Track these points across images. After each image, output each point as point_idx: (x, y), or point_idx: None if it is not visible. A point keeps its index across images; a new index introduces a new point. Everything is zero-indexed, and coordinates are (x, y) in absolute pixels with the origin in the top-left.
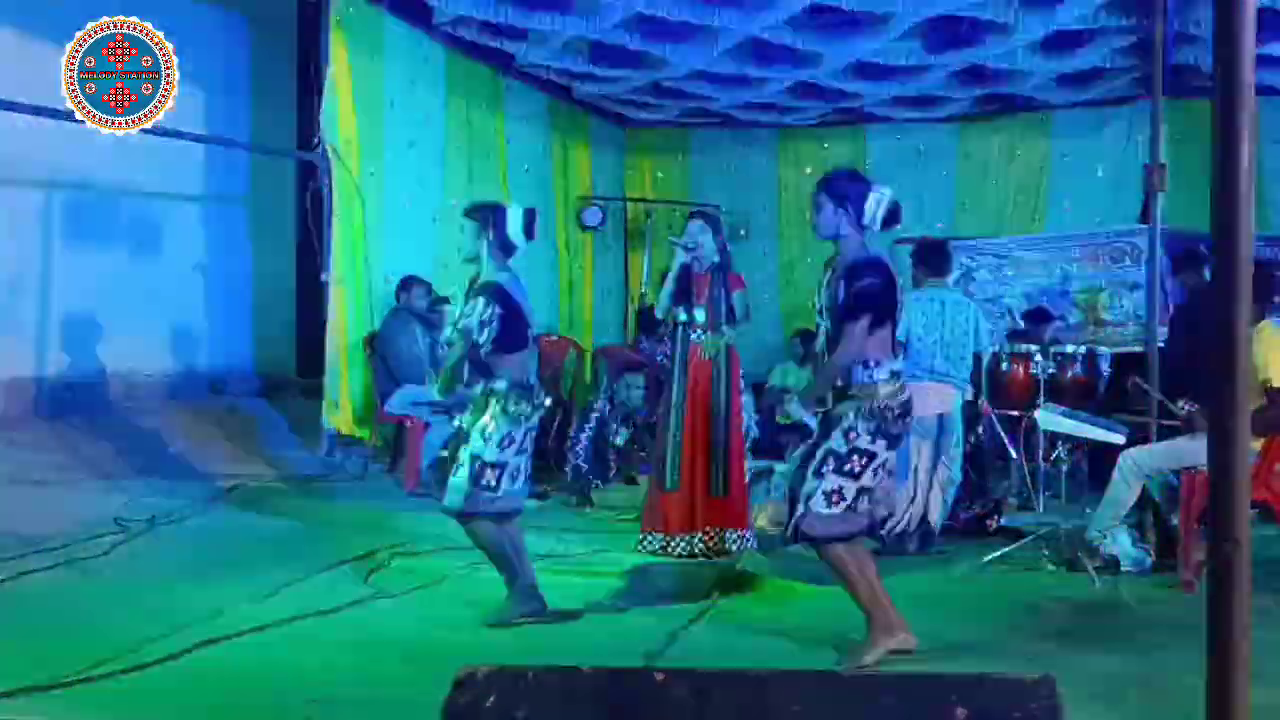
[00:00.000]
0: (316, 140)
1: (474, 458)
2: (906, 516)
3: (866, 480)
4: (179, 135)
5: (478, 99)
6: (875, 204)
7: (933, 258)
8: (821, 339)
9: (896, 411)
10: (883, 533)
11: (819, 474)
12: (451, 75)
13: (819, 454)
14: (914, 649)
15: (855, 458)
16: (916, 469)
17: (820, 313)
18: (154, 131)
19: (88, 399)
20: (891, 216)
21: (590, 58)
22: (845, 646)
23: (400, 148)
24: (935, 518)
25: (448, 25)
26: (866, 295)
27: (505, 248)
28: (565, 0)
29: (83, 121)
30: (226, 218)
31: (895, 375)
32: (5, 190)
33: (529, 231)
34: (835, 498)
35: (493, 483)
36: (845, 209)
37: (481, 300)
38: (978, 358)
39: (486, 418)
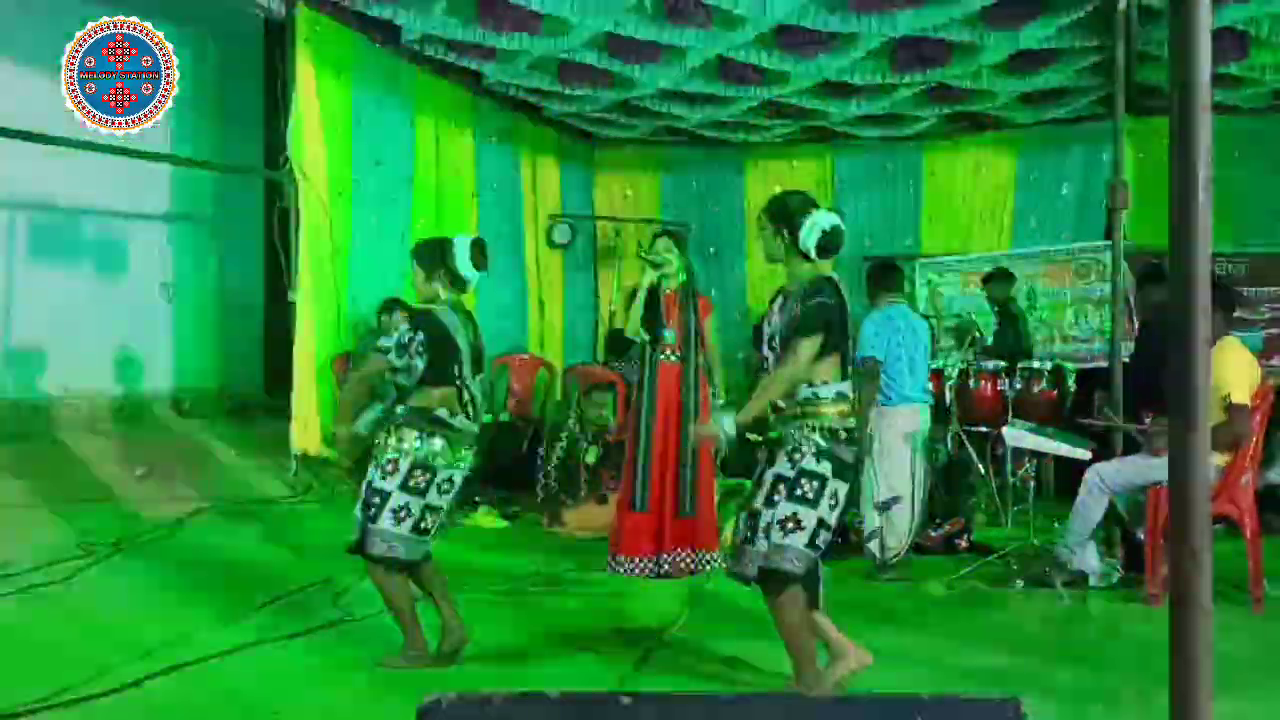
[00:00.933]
0: (283, 159)
1: (365, 484)
2: (910, 542)
3: (823, 510)
4: (144, 155)
5: (446, 117)
6: (809, 229)
7: (885, 274)
8: (769, 361)
9: (843, 435)
10: (890, 559)
11: (770, 502)
12: (420, 94)
13: (767, 482)
14: (868, 664)
15: (805, 481)
16: (913, 490)
17: (769, 341)
18: (119, 150)
19: (50, 421)
20: (827, 244)
21: (559, 76)
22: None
23: (368, 166)
24: (904, 540)
25: (415, 43)
26: (818, 312)
27: (456, 281)
28: (533, 19)
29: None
30: (192, 237)
31: (842, 397)
32: None
33: (478, 262)
34: (790, 524)
35: (373, 512)
36: (782, 234)
37: (406, 325)
38: (938, 374)
39: (381, 443)
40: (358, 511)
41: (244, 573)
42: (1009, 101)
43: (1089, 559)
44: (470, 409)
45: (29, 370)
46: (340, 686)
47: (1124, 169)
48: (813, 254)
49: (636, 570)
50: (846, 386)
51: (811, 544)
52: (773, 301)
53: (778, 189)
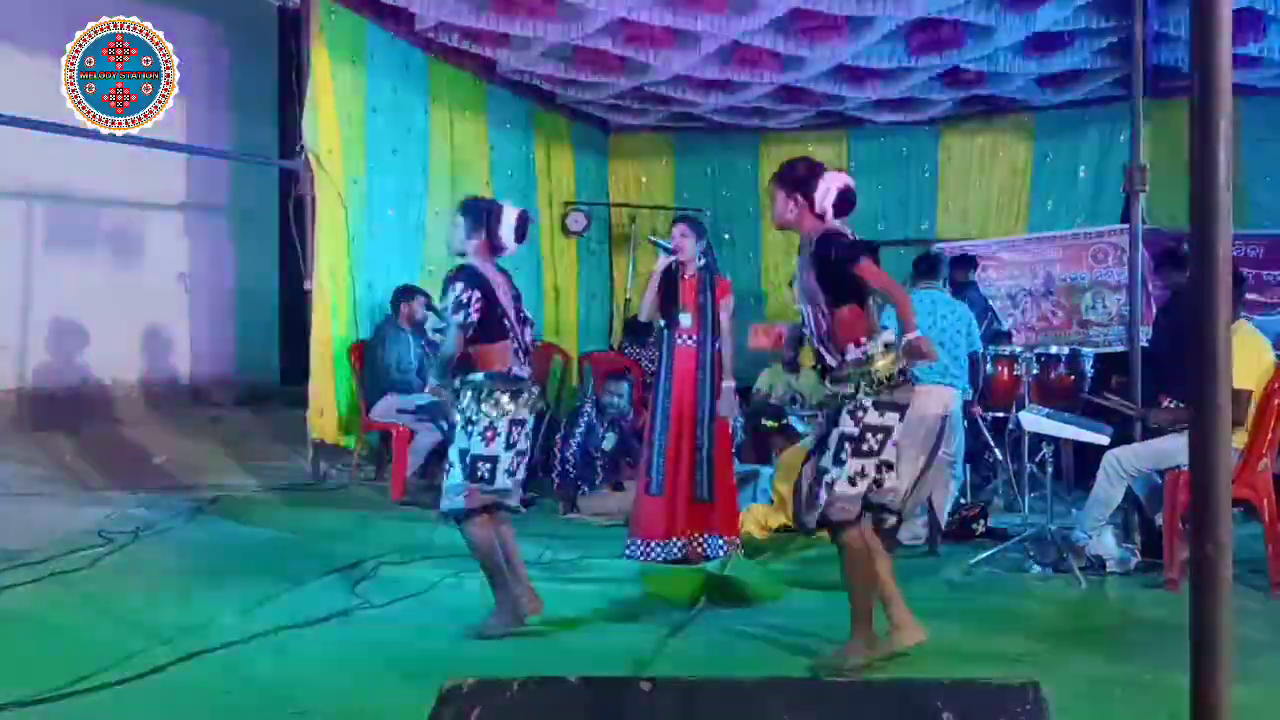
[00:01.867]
0: (299, 148)
1: (462, 453)
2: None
3: (887, 454)
4: (161, 145)
5: (461, 105)
6: (824, 189)
7: (923, 263)
8: (808, 325)
9: (898, 380)
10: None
11: (838, 460)
12: (434, 82)
13: (832, 441)
14: (922, 642)
15: (870, 435)
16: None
17: (799, 298)
18: (136, 141)
19: (70, 410)
20: (842, 200)
21: (573, 63)
22: (829, 651)
23: (383, 155)
24: (942, 517)
25: (430, 32)
26: (850, 245)
27: (495, 248)
28: (547, 6)
29: (63, 130)
30: (209, 226)
31: (888, 347)
32: None
33: (520, 234)
34: (858, 479)
35: (486, 475)
36: (795, 197)
37: (459, 283)
38: (974, 358)
39: (470, 412)
40: (458, 480)
41: (262, 560)
42: (1025, 84)
43: (1107, 544)
44: (526, 356)
45: (47, 359)
46: (359, 673)
47: (1142, 151)
48: (830, 214)
49: (653, 554)
50: (889, 334)
51: (880, 486)
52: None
53: None
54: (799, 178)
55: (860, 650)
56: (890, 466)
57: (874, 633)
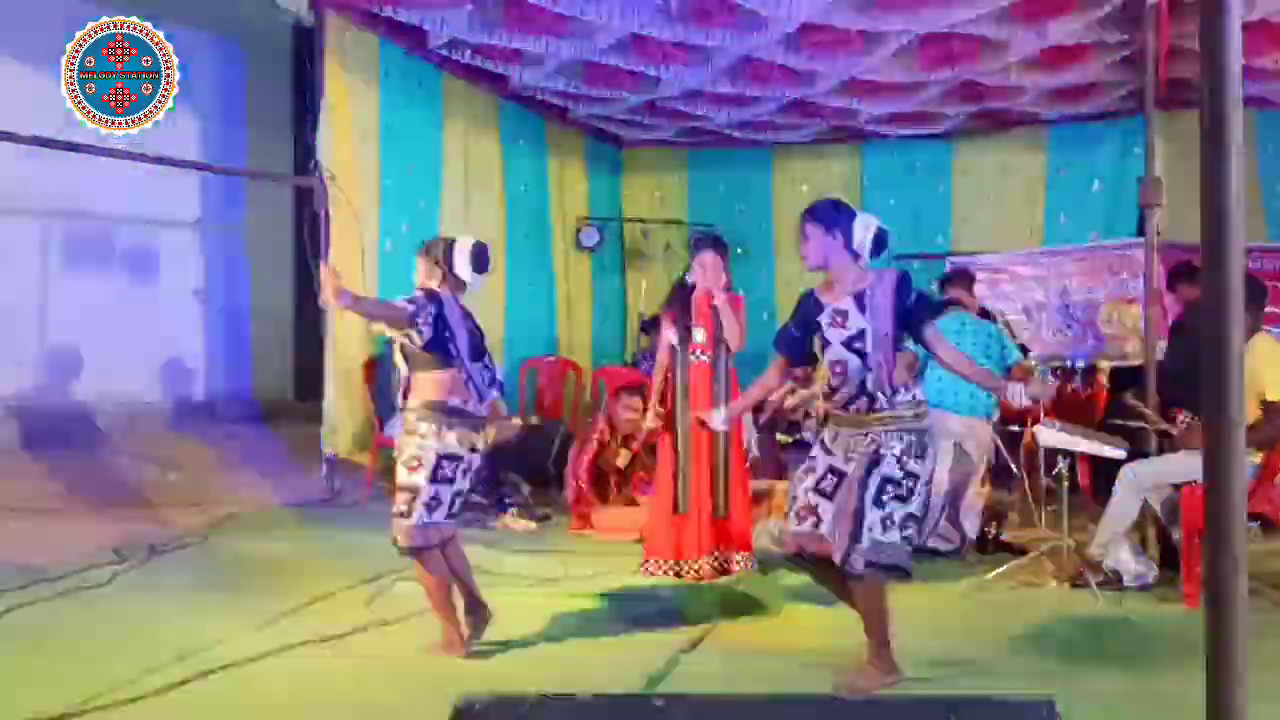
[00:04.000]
0: (313, 165)
1: (397, 486)
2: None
3: (914, 505)
4: (176, 163)
5: (474, 122)
6: (863, 230)
7: (958, 281)
8: (863, 367)
9: (926, 429)
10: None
11: (879, 503)
12: (447, 99)
13: (873, 482)
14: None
15: (907, 481)
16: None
17: (849, 343)
18: (151, 159)
19: (85, 427)
20: (879, 242)
21: (585, 79)
22: (843, 667)
23: (397, 172)
24: (973, 527)
25: (443, 49)
26: (934, 305)
27: (455, 283)
28: (559, 22)
29: (80, 149)
30: (224, 244)
31: (923, 399)
32: (1, 219)
33: (478, 265)
34: (893, 521)
35: (404, 508)
36: (834, 236)
37: (419, 294)
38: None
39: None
40: (397, 509)
41: (277, 576)
42: (1038, 97)
43: (1124, 559)
44: (473, 390)
45: (63, 376)
46: (374, 689)
47: (1156, 165)
48: (866, 255)
49: (669, 572)
50: (919, 387)
51: (905, 534)
52: (805, 304)
53: (805, 189)
54: (837, 218)
55: (877, 677)
56: (915, 519)
57: (892, 658)
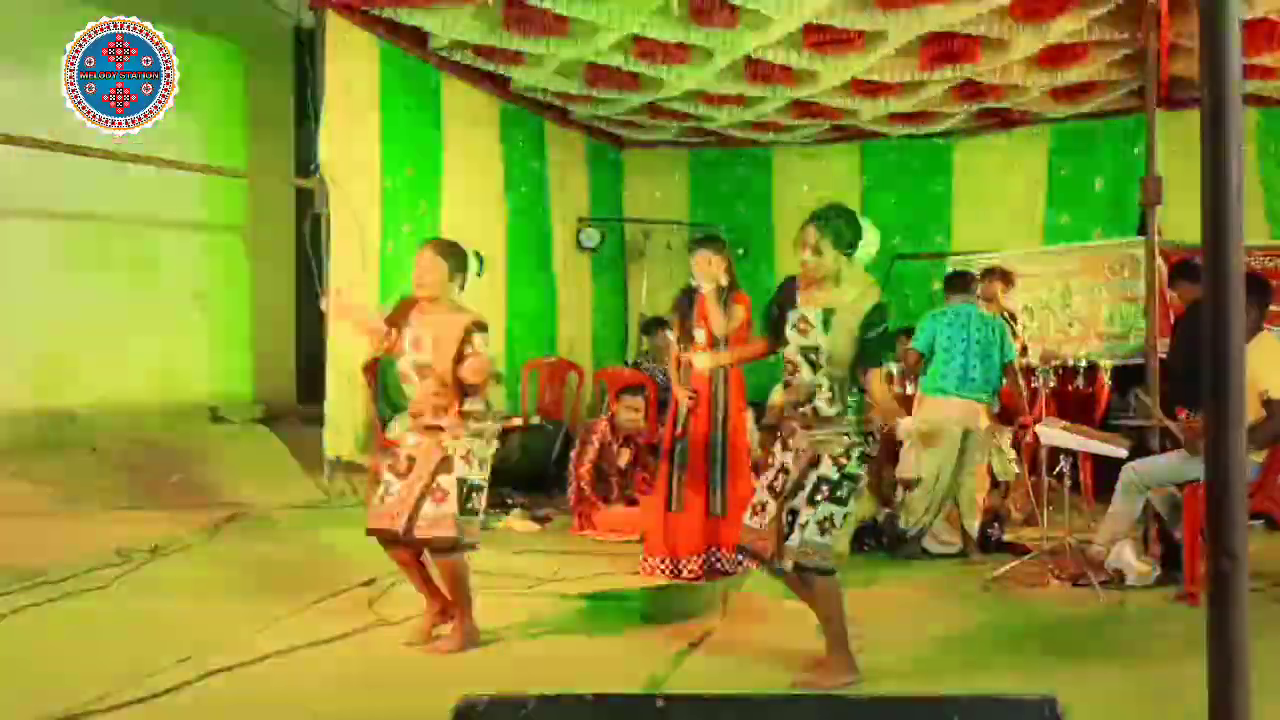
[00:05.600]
0: (314, 167)
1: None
2: (924, 521)
3: (851, 506)
4: (177, 165)
5: (474, 123)
6: (865, 247)
7: (956, 280)
8: (808, 372)
9: (875, 436)
10: (907, 534)
11: (813, 502)
12: (448, 100)
13: (809, 483)
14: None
15: (846, 483)
16: (937, 478)
17: (807, 351)
18: (152, 160)
19: (87, 428)
20: (869, 258)
21: (586, 79)
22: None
23: (398, 173)
24: (972, 526)
25: (443, 50)
26: (881, 343)
27: (463, 286)
28: (560, 23)
29: (81, 151)
30: (225, 245)
31: (869, 404)
32: (2, 220)
33: (479, 270)
34: (828, 524)
35: (475, 506)
36: (844, 251)
37: None
38: (1009, 369)
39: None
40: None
41: (279, 578)
42: (1039, 96)
43: (1126, 557)
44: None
45: (64, 379)
46: (376, 690)
47: (1157, 163)
48: (861, 266)
49: (670, 571)
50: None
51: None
52: (784, 291)
53: (806, 188)
54: (850, 235)
55: (831, 675)
56: (849, 519)
57: (850, 658)
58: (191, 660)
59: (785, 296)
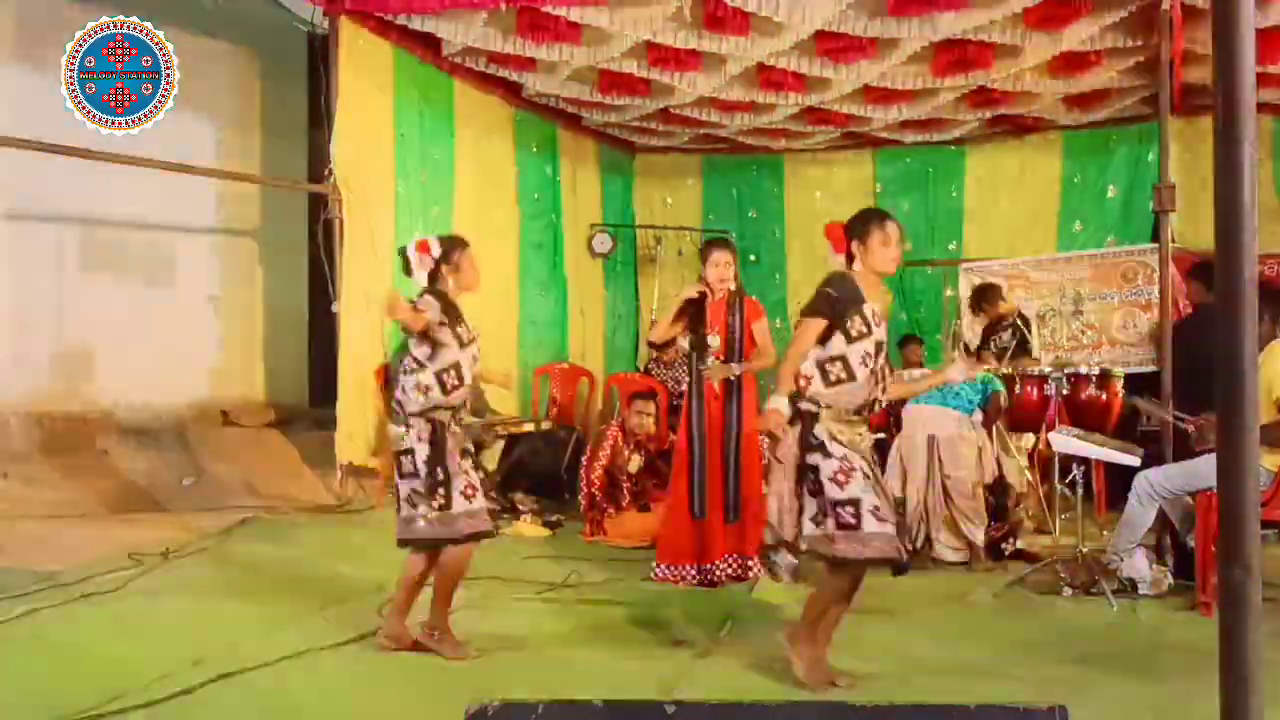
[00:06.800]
0: (328, 172)
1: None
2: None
3: (853, 489)
4: (191, 170)
5: (487, 129)
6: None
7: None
8: (865, 375)
9: (852, 415)
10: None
11: (813, 493)
12: (461, 106)
13: (803, 473)
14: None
15: (837, 469)
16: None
17: (863, 353)
18: (166, 166)
19: (100, 431)
20: None
21: (598, 86)
22: (856, 675)
23: (411, 179)
24: (975, 534)
25: (457, 56)
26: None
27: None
28: (573, 30)
29: (95, 155)
30: (239, 250)
31: (842, 384)
32: (18, 225)
33: (405, 269)
34: (820, 516)
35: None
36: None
37: (429, 296)
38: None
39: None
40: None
41: (291, 581)
42: (1052, 103)
43: (1139, 566)
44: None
45: (77, 381)
46: (386, 694)
47: (1170, 170)
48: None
49: (683, 578)
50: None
51: (856, 524)
52: (842, 286)
53: (818, 195)
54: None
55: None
56: (857, 503)
57: (823, 664)
58: (203, 663)
59: (849, 293)
